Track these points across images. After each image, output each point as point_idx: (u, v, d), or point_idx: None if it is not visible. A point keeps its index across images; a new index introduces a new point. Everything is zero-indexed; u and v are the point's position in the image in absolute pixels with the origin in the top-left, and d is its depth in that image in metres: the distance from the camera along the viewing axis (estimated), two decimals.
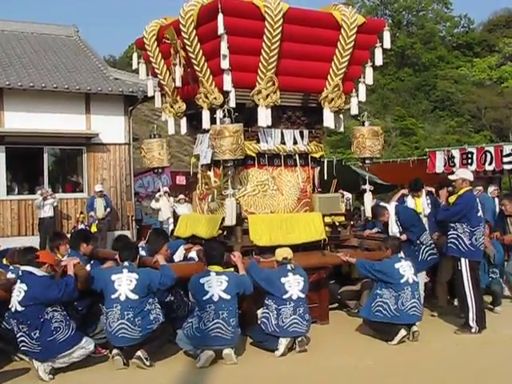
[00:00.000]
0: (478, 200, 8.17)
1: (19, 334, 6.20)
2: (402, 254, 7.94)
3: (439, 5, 57.41)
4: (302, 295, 7.16)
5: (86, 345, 6.39)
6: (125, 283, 6.55)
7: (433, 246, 8.82)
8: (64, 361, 6.27)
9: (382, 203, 9.73)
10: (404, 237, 8.67)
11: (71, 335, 6.27)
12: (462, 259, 7.94)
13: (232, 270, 7.15)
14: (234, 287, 6.78)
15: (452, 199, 8.12)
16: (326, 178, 9.85)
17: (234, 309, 6.71)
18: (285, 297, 7.03)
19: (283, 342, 6.93)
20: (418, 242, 8.73)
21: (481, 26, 57.69)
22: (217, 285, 6.70)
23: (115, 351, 6.51)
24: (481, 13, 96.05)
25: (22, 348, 6.26)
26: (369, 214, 9.29)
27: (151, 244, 8.01)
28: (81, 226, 16.88)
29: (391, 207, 9.04)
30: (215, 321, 6.54)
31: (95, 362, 6.69)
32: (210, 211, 8.80)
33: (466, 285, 7.92)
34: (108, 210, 17.16)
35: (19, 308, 6.17)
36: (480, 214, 8.03)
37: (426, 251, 8.76)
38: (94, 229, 16.74)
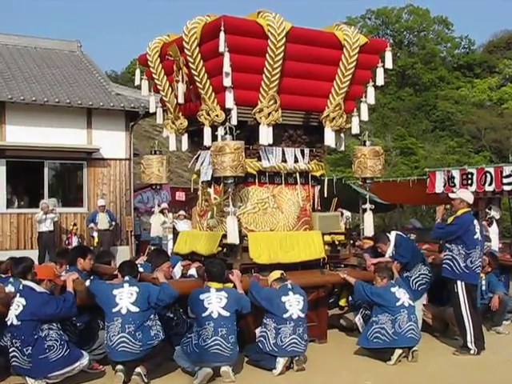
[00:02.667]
0: (475, 222, 8.10)
1: (11, 349, 6.16)
2: (395, 280, 7.91)
3: (440, 26, 57.79)
4: (302, 315, 7.14)
5: (81, 359, 6.36)
6: (126, 297, 6.56)
7: (421, 276, 8.65)
8: (57, 377, 6.20)
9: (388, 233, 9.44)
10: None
11: (64, 355, 6.21)
12: (458, 282, 7.89)
13: (231, 285, 7.14)
14: (233, 304, 6.77)
15: (450, 219, 8.10)
16: (326, 196, 9.82)
17: (232, 326, 6.69)
18: (285, 316, 7.01)
19: (281, 362, 6.90)
20: (408, 273, 8.59)
21: (481, 48, 58.04)
22: (216, 301, 6.69)
23: (119, 367, 6.45)
24: (481, 34, 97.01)
25: (13, 363, 6.19)
26: (368, 233, 9.22)
27: (153, 261, 8.02)
28: (74, 238, 16.91)
29: (392, 236, 8.89)
30: (214, 338, 6.51)
31: (91, 377, 6.64)
32: (209, 228, 8.79)
33: (462, 307, 7.88)
34: (113, 223, 17.25)
35: (15, 322, 6.15)
36: (477, 236, 7.95)
37: (416, 282, 8.59)
38: (95, 241, 16.79)
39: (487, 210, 15.53)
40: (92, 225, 16.99)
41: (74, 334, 6.90)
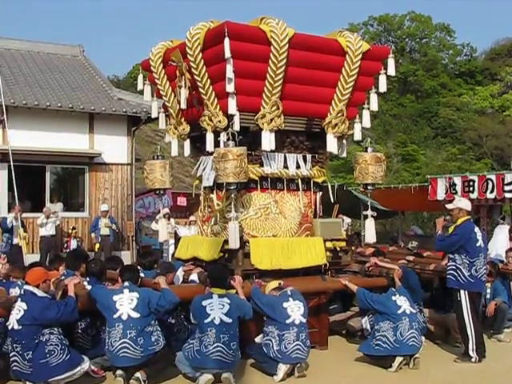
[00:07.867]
0: (476, 229, 8.02)
1: (12, 354, 6.15)
2: (397, 288, 7.89)
3: (442, 33, 57.90)
4: (304, 320, 7.12)
5: (82, 364, 6.35)
6: (126, 302, 6.54)
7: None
8: (58, 382, 6.18)
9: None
10: None
11: (65, 360, 6.19)
12: (462, 291, 7.83)
13: (234, 291, 7.13)
14: (235, 310, 6.75)
15: (450, 229, 7.99)
16: (328, 202, 9.81)
17: (234, 332, 6.66)
18: (288, 322, 6.99)
19: (283, 368, 6.87)
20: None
21: (483, 55, 58.16)
22: (218, 308, 6.67)
23: (119, 372, 6.44)
24: (483, 42, 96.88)
25: (14, 368, 6.17)
26: (370, 239, 9.18)
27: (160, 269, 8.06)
28: (73, 242, 16.88)
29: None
30: (216, 344, 6.49)
31: (91, 382, 6.62)
32: (214, 234, 8.79)
33: (465, 315, 7.82)
34: (114, 226, 17.18)
35: (16, 326, 6.14)
36: (479, 243, 7.88)
37: None
38: (97, 247, 16.77)
39: (499, 219, 15.49)
40: (93, 235, 16.96)
41: (87, 341, 7.00)
